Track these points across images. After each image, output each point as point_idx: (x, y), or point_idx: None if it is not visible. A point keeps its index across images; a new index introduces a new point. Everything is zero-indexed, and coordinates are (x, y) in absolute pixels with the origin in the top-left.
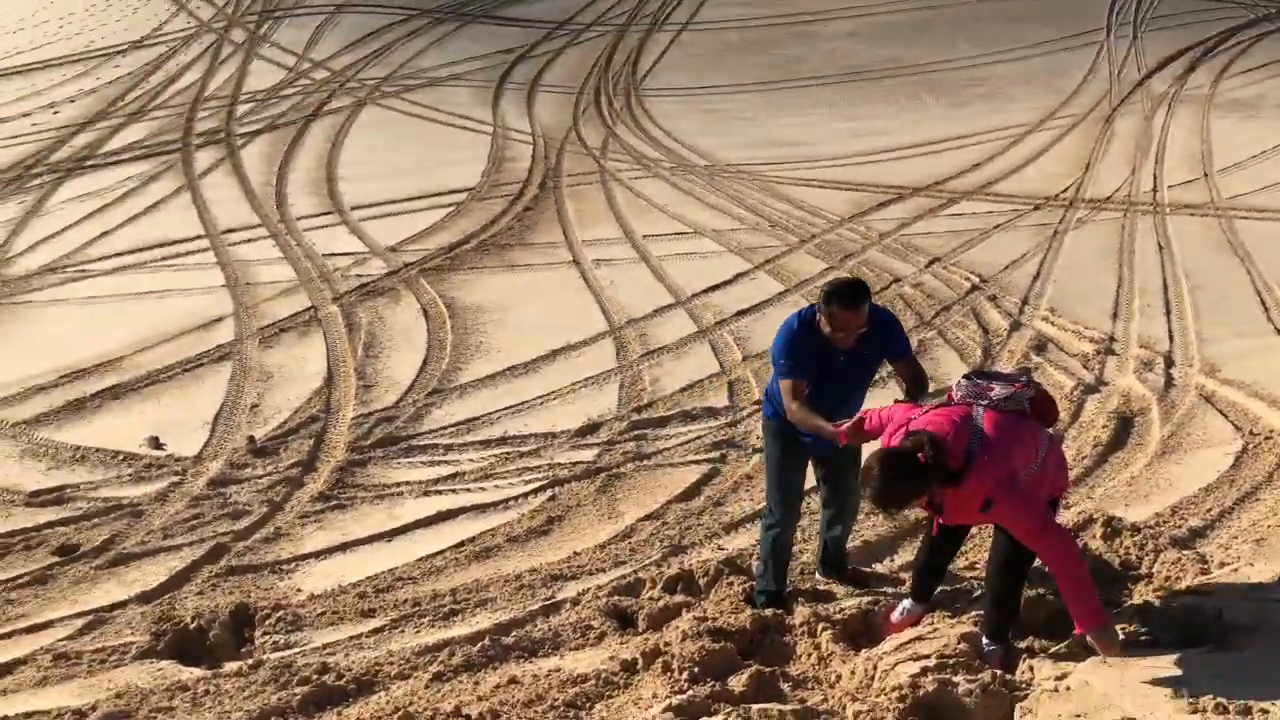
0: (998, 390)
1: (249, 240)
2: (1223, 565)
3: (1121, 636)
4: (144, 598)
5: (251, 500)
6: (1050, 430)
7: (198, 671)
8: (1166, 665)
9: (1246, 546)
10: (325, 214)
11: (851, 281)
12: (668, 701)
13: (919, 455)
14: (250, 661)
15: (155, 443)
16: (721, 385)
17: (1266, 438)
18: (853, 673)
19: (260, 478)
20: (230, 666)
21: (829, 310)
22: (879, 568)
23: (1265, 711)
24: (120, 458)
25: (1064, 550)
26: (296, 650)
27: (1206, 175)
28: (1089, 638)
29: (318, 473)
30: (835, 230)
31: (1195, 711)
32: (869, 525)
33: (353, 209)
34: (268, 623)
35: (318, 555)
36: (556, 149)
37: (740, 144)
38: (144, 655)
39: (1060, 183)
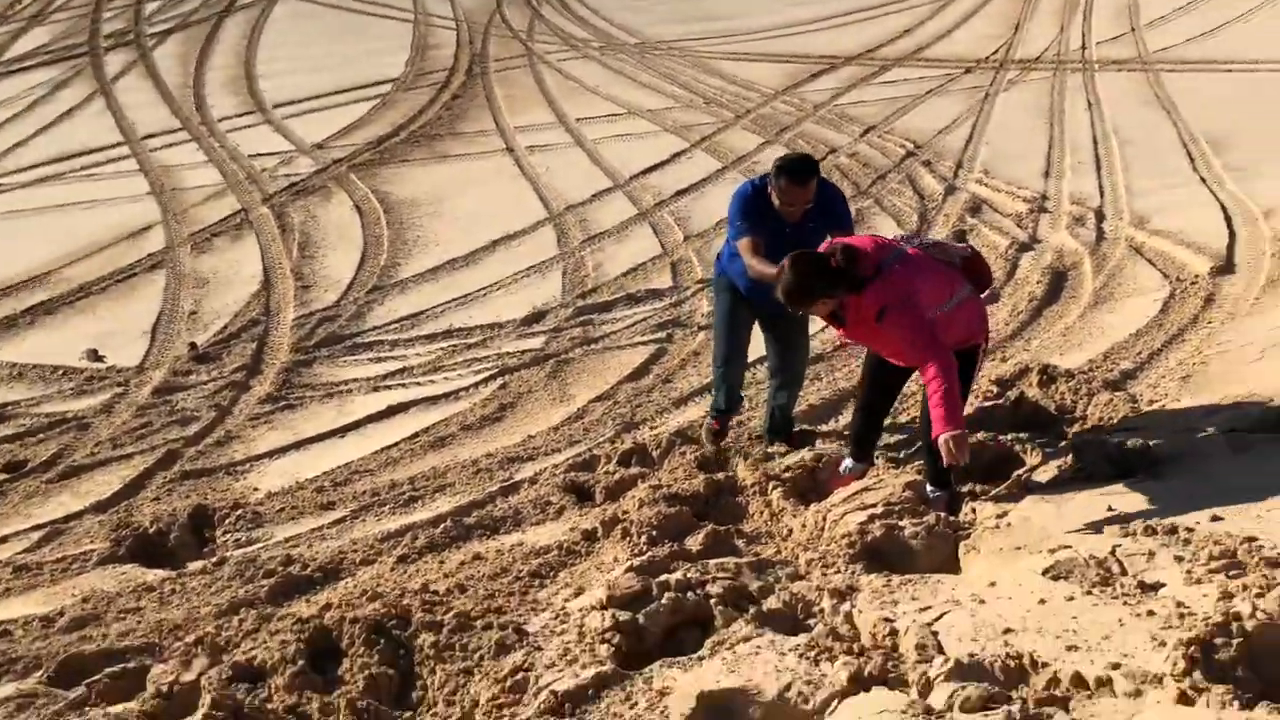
0: (930, 239)
1: (170, 145)
2: (1152, 403)
3: (1055, 474)
4: (99, 507)
5: (199, 406)
6: (985, 293)
7: (162, 573)
8: (1100, 496)
9: (1173, 384)
10: (247, 113)
11: (801, 157)
12: (629, 563)
13: (831, 260)
14: (214, 560)
15: (94, 355)
16: (664, 266)
17: (1192, 282)
18: (803, 525)
19: (205, 384)
20: (194, 566)
21: (778, 184)
22: (824, 429)
23: (1190, 529)
24: (60, 372)
25: (939, 366)
26: (259, 546)
27: (1134, 29)
28: (939, 440)
29: (263, 375)
30: (770, 104)
31: (1126, 535)
32: (813, 390)
33: (275, 107)
34: (228, 522)
35: (271, 455)
36: (481, 33)
37: (669, 19)
38: (106, 561)
39: (990, 44)
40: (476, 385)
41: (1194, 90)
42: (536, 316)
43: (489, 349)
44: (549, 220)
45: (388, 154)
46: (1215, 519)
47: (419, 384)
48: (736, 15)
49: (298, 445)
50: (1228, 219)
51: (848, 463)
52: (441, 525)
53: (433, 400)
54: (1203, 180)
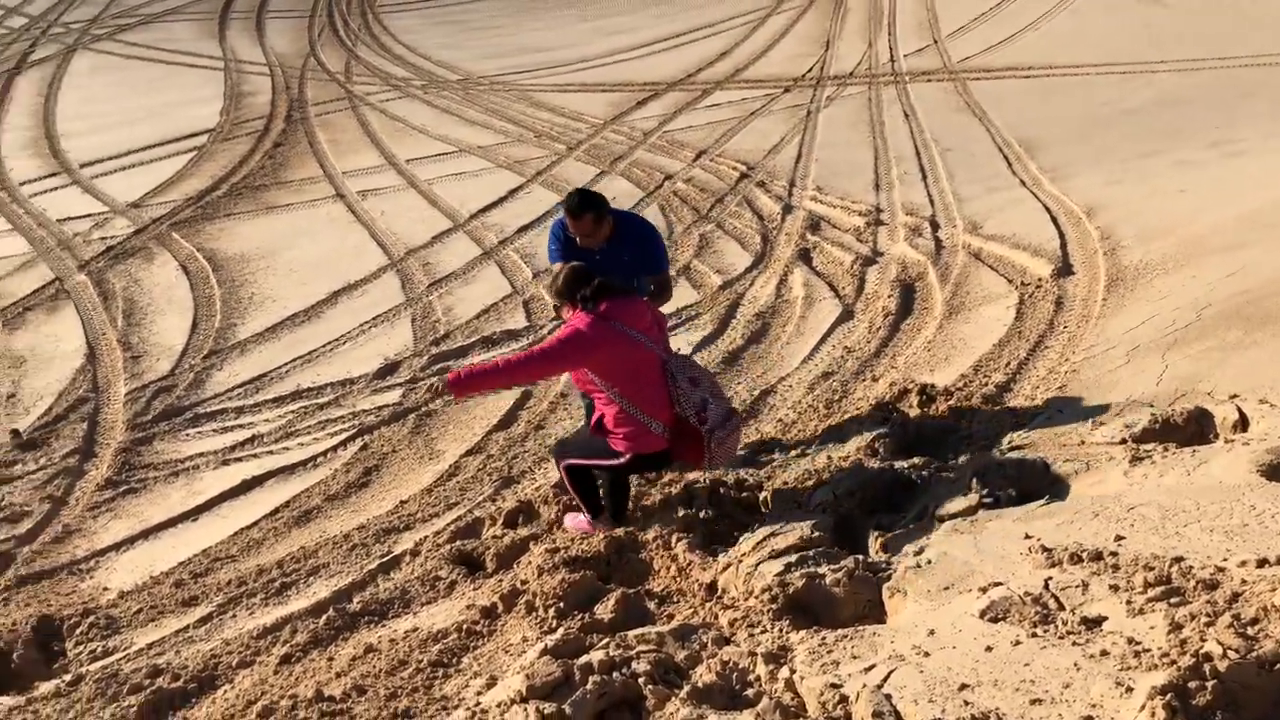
0: (691, 376)
1: None
2: (1034, 416)
3: (960, 503)
4: None
5: (29, 499)
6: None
7: (8, 700)
8: (1013, 524)
9: (1051, 394)
10: (51, 175)
11: (576, 193)
12: (542, 644)
13: (593, 281)
14: (68, 678)
15: None
16: (516, 305)
17: (1038, 286)
18: (715, 581)
19: (34, 473)
20: (45, 688)
21: (566, 219)
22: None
23: (1114, 553)
24: None
25: (538, 359)
26: (119, 656)
27: (936, 41)
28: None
29: (99, 458)
30: (600, 134)
31: (1053, 565)
32: None
33: (82, 166)
34: (79, 632)
35: (118, 547)
36: (297, 77)
37: (489, 54)
38: None
39: (804, 63)
40: (335, 449)
41: (1000, 95)
42: (390, 369)
43: (343, 408)
44: (391, 266)
45: (211, 209)
46: (1131, 539)
47: (272, 453)
48: (554, 47)
49: (146, 534)
50: (1054, 220)
51: (583, 519)
52: (323, 615)
53: (290, 470)
54: (1022, 183)
